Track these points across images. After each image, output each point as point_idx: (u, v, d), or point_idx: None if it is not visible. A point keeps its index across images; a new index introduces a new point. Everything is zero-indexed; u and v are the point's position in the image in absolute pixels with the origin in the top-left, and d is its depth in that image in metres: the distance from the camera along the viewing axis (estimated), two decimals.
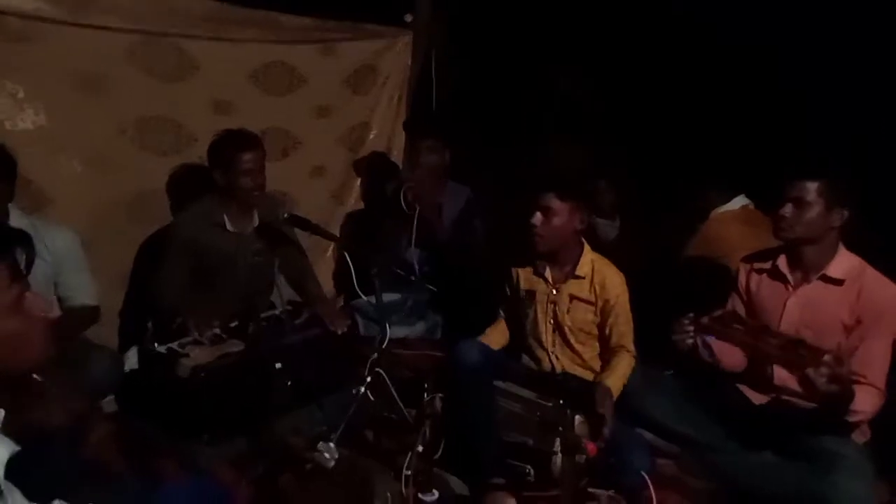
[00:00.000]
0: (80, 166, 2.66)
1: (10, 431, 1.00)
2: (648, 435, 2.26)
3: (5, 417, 1.01)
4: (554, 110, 3.83)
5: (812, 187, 2.01)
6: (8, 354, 0.95)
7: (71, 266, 2.39)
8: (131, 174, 2.80)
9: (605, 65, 3.49)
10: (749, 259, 2.29)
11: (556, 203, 2.26)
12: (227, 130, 2.56)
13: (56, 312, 2.34)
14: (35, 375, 1.50)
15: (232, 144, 2.51)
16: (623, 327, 2.31)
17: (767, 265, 2.21)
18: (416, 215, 3.20)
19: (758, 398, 2.18)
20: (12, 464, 0.95)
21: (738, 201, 2.83)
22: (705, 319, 1.96)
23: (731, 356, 2.15)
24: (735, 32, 3.03)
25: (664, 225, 3.02)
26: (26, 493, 1.03)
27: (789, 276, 2.14)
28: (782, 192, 2.06)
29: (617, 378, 2.23)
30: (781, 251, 2.17)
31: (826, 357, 1.75)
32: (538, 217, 2.27)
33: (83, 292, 2.42)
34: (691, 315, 2.00)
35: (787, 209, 2.04)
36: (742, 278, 2.28)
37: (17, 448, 0.97)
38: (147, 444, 2.20)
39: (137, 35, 2.70)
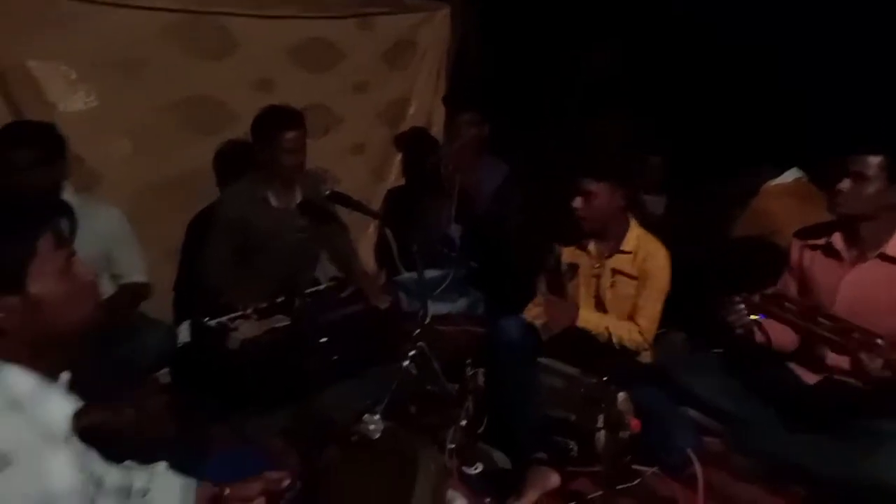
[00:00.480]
0: (128, 145, 2.72)
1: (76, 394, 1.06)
2: (694, 413, 2.24)
3: (70, 379, 1.08)
4: (596, 84, 3.74)
5: (874, 162, 1.93)
6: (59, 315, 1.01)
7: (121, 244, 2.45)
8: (177, 152, 2.85)
9: (649, 37, 3.40)
10: (802, 234, 2.22)
11: (594, 185, 2.27)
12: (271, 106, 2.56)
13: (105, 283, 2.41)
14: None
15: (275, 122, 2.52)
16: (645, 302, 2.30)
17: (821, 241, 2.13)
18: (455, 190, 3.19)
19: (810, 377, 2.13)
20: (82, 423, 1.01)
21: (791, 174, 2.75)
22: (756, 298, 1.92)
23: (782, 336, 2.10)
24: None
25: (714, 199, 2.95)
26: (100, 453, 1.11)
27: (844, 254, 2.07)
28: (841, 165, 1.98)
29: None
30: (836, 227, 2.10)
31: (879, 341, 1.70)
32: (579, 201, 2.29)
33: (134, 269, 2.50)
34: (742, 294, 1.95)
35: (846, 184, 1.96)
36: (794, 254, 2.21)
37: (82, 404, 1.03)
38: (199, 414, 2.29)
39: (180, 14, 2.73)
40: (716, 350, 2.38)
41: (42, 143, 2.14)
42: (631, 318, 2.33)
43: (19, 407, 0.94)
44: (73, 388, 1.07)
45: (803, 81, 2.91)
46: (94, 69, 2.57)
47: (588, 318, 2.31)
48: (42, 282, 0.98)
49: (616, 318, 2.35)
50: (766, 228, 2.61)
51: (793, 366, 2.17)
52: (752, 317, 1.98)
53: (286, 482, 1.44)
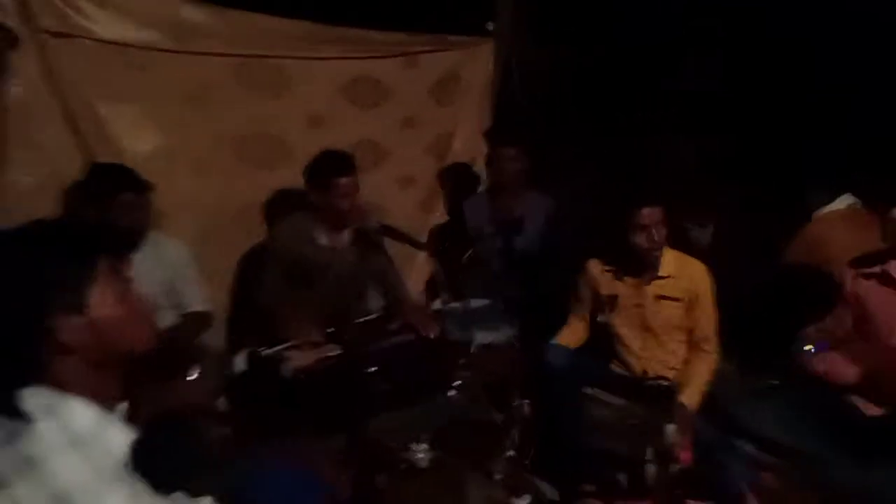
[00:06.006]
0: (189, 181, 2.86)
1: (133, 422, 1.10)
2: (749, 447, 2.18)
3: (128, 409, 1.12)
4: (640, 111, 3.74)
5: None
6: (118, 338, 1.07)
7: (184, 275, 2.59)
8: (235, 187, 2.98)
9: (697, 61, 3.39)
10: (856, 263, 2.16)
11: (656, 214, 2.25)
12: (324, 152, 2.60)
13: (159, 308, 2.51)
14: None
15: (329, 168, 2.56)
16: (706, 320, 2.30)
17: (877, 270, 2.08)
18: (495, 223, 3.20)
19: (871, 410, 2.06)
20: (135, 453, 1.04)
21: (844, 200, 2.68)
22: (811, 330, 1.87)
23: (844, 368, 2.04)
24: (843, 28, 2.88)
25: (762, 227, 2.90)
26: (151, 484, 1.11)
27: None
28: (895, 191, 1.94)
29: (693, 389, 2.23)
30: (892, 255, 2.04)
31: None
32: (643, 237, 2.25)
33: (195, 299, 2.63)
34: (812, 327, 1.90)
35: None
36: (849, 284, 2.16)
37: (137, 436, 1.06)
38: (255, 438, 2.35)
39: (239, 57, 2.88)
40: (771, 381, 2.33)
41: (142, 187, 2.38)
42: (693, 346, 2.32)
43: (81, 443, 0.97)
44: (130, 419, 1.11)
45: (853, 104, 2.86)
46: (159, 110, 2.73)
47: (693, 396, 2.22)
48: (102, 305, 1.04)
49: (692, 369, 2.32)
50: (819, 257, 2.54)
51: (854, 399, 2.11)
52: (807, 347, 1.93)
53: None
